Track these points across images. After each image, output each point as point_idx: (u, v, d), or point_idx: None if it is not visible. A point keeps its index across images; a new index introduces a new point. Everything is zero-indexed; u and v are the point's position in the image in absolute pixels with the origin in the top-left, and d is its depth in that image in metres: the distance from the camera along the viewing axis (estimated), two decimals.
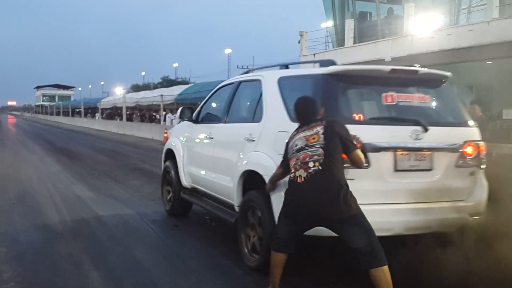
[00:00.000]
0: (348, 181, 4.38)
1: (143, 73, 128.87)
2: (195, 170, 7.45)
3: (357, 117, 4.93)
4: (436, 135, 5.11)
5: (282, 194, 4.67)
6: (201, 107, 7.74)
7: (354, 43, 20.02)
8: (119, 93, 50.44)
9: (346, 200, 4.22)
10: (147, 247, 6.39)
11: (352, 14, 21.61)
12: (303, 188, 4.26)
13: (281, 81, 5.68)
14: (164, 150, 8.52)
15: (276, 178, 4.91)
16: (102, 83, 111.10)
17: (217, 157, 6.64)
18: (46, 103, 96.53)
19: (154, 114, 36.83)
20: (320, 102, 4.47)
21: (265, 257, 5.11)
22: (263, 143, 5.55)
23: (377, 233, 4.32)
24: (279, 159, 4.91)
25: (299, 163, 4.35)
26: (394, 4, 20.76)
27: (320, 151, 4.28)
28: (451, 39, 15.46)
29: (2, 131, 37.25)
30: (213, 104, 7.55)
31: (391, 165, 4.94)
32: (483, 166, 5.42)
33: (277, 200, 4.91)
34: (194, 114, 7.77)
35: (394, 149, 4.93)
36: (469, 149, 5.30)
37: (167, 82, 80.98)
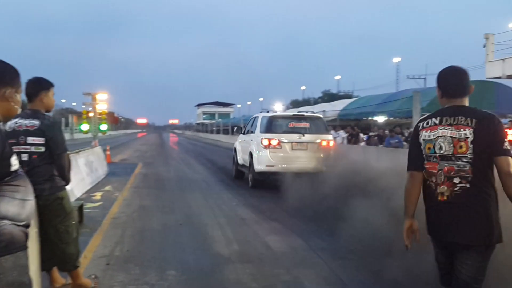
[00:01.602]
0: (272, 153, 13.93)
1: (303, 88, 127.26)
2: (242, 155, 16.24)
3: (279, 131, 14.14)
4: (309, 137, 13.99)
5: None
6: (245, 126, 17.02)
7: None
8: (278, 109, 50.87)
9: (493, 229, 3.73)
10: (316, 277, 6.25)
11: None
12: (446, 208, 3.81)
13: (262, 118, 14.87)
14: (233, 148, 17.63)
15: (414, 201, 4.02)
16: (261, 99, 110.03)
17: (246, 149, 15.41)
18: (206, 121, 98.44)
19: None
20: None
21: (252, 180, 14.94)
22: (254, 142, 14.51)
23: (282, 170, 13.53)
24: (257, 147, 14.10)
25: (442, 177, 3.82)
26: None
27: (468, 167, 3.73)
28: None
29: (166, 150, 38.84)
30: (248, 125, 16.51)
31: (290, 147, 13.86)
32: (332, 149, 14.11)
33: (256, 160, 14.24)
34: (243, 130, 17.05)
35: (291, 142, 13.87)
36: (323, 142, 13.97)
37: (328, 97, 79.42)
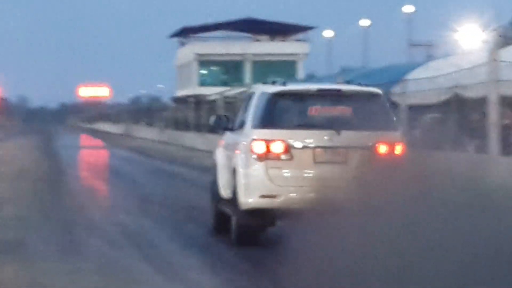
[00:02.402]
0: (274, 169, 10.53)
1: None
2: (225, 176, 12.53)
3: (288, 123, 11.12)
4: (351, 135, 10.71)
5: None
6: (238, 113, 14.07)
7: None
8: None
9: None
10: None
11: None
12: None
13: (259, 97, 11.76)
14: (213, 162, 14.27)
15: None
16: (407, 9, 58.61)
17: (229, 162, 12.26)
18: (212, 90, 47.54)
19: None
20: None
21: None
22: (241, 146, 11.62)
23: (295, 205, 10.02)
24: (246, 158, 11.12)
25: None
26: None
27: None
28: None
29: (68, 210, 16.09)
30: (241, 111, 13.04)
31: (312, 157, 10.94)
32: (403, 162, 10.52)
33: None
34: (231, 122, 13.40)
35: (314, 146, 10.86)
36: (381, 147, 10.71)
37: None
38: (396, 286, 6.15)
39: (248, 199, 10.32)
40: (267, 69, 64.34)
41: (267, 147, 10.37)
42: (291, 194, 10.20)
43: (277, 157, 10.37)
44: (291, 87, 11.76)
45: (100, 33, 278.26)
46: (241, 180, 10.49)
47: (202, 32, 71.28)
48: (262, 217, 10.39)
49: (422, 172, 7.56)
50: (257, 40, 70.87)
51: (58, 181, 22.08)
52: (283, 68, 62.67)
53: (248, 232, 10.62)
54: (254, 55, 66.85)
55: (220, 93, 39.23)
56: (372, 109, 10.94)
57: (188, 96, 56.23)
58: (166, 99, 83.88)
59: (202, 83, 66.66)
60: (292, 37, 69.88)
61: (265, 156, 10.33)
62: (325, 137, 10.40)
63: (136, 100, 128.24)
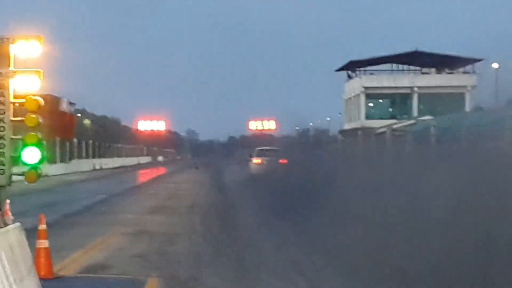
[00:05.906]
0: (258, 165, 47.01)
1: None
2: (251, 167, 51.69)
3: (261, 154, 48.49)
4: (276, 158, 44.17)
5: None
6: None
7: None
8: None
9: None
10: None
11: None
12: None
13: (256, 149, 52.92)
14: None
15: None
16: None
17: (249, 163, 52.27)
18: (381, 123, 45.45)
19: None
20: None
21: None
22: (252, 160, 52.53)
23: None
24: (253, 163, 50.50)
25: None
26: None
27: None
28: None
29: None
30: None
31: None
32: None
33: None
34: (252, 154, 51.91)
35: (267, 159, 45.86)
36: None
37: None
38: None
39: (252, 172, 43.55)
40: (435, 101, 61.49)
41: (257, 161, 45.00)
42: (259, 170, 41.54)
43: (259, 163, 44.44)
44: (262, 147, 48.79)
45: (266, 68, 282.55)
46: (250, 168, 45.34)
47: (369, 66, 69.34)
48: (255, 176, 39.79)
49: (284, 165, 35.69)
50: (424, 73, 67.94)
51: (227, 215, 22.25)
52: (451, 101, 60.18)
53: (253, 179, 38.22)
54: (421, 87, 64.15)
55: (388, 126, 37.78)
56: (279, 152, 41.76)
57: (356, 129, 54.32)
58: (333, 131, 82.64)
59: (370, 116, 64.59)
60: (460, 69, 66.26)
61: (255, 162, 45.47)
62: (269, 158, 42.38)
63: (304, 133, 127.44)
